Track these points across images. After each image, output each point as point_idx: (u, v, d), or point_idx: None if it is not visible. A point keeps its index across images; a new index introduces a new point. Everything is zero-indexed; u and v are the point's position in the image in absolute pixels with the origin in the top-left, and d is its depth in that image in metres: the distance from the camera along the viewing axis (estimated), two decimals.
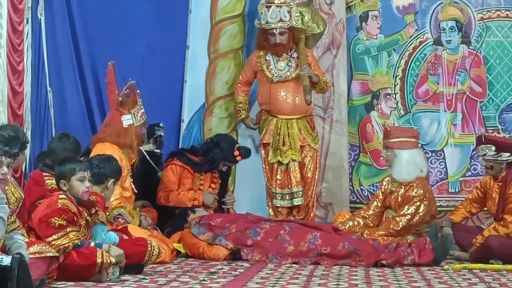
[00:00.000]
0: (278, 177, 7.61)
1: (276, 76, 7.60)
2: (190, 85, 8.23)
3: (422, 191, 7.01)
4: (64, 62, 7.94)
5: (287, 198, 7.60)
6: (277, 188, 7.61)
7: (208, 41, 8.28)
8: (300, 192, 7.58)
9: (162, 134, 7.67)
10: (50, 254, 4.76)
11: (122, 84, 6.82)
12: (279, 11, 7.49)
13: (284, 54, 7.64)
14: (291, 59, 7.64)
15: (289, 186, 7.59)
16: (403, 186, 7.09)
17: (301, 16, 7.68)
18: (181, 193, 7.25)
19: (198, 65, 8.25)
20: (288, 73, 7.60)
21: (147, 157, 7.37)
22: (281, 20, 7.50)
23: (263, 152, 7.74)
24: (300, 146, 7.59)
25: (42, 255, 4.69)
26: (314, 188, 7.70)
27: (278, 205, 7.61)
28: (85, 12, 8.02)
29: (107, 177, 5.77)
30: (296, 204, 7.59)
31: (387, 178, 7.33)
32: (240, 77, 7.89)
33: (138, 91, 6.85)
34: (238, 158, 7.37)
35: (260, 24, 7.60)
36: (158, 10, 8.18)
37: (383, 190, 7.29)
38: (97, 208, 5.44)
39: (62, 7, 7.93)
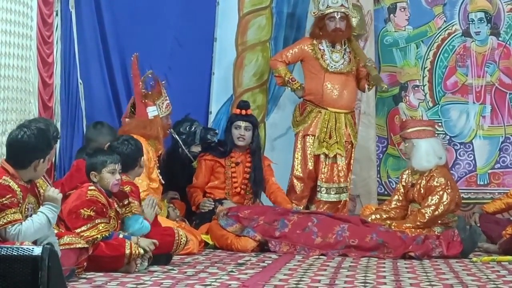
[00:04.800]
0: (325, 170, 7.49)
1: (331, 66, 7.49)
2: (218, 77, 8.24)
3: (443, 180, 7.01)
4: (93, 54, 7.97)
5: (332, 192, 7.48)
6: (323, 182, 7.47)
7: (235, 33, 8.28)
8: (347, 188, 7.50)
9: (215, 140, 7.46)
10: (80, 245, 4.79)
11: (150, 78, 6.84)
12: None
13: (339, 46, 7.51)
14: (346, 52, 7.53)
15: (336, 181, 7.47)
16: (424, 177, 7.08)
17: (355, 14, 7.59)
18: (198, 196, 7.24)
19: (226, 57, 8.26)
20: (342, 66, 7.49)
21: (179, 141, 7.34)
22: (342, 5, 7.39)
23: (299, 142, 7.56)
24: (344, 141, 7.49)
25: (72, 246, 4.72)
26: (348, 183, 7.61)
27: (324, 199, 7.48)
28: (113, 4, 8.04)
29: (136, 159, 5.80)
30: (342, 199, 7.49)
31: (407, 171, 7.31)
32: (283, 55, 7.63)
33: (163, 82, 6.86)
34: (242, 112, 7.33)
35: (316, 13, 7.46)
36: (186, 2, 8.19)
37: (403, 183, 7.28)
38: (130, 199, 5.47)
39: None
